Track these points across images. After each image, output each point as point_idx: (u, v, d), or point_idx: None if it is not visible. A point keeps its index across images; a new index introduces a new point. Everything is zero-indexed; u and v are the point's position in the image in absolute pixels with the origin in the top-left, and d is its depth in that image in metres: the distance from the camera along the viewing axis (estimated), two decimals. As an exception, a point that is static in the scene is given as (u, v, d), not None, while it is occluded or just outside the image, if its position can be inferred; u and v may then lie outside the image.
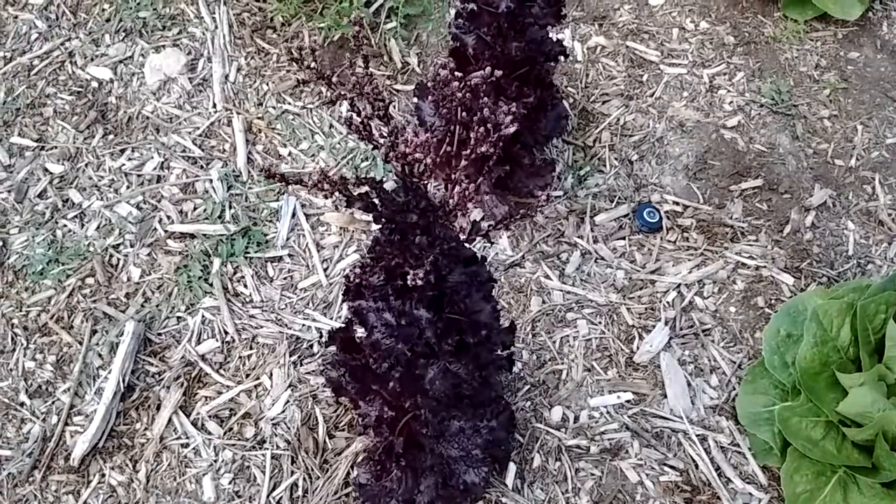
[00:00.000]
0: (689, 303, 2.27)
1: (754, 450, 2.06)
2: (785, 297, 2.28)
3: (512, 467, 2.03)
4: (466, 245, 1.50)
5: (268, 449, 2.07)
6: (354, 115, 1.22)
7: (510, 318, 2.20)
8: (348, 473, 2.00)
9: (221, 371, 2.17)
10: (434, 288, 1.43)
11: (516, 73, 2.08)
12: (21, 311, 2.26)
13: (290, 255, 2.33)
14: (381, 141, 1.26)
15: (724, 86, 2.65)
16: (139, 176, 2.46)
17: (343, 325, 1.80)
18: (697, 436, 2.10)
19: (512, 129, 1.25)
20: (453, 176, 1.27)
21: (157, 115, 2.56)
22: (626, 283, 2.30)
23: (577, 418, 2.11)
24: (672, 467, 2.06)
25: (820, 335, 1.97)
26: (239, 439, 2.08)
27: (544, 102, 2.20)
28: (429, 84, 2.30)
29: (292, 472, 2.03)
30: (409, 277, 1.27)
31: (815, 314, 1.98)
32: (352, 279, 1.45)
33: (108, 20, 2.74)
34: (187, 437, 2.09)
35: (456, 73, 1.31)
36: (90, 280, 2.29)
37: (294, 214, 2.38)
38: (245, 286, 2.28)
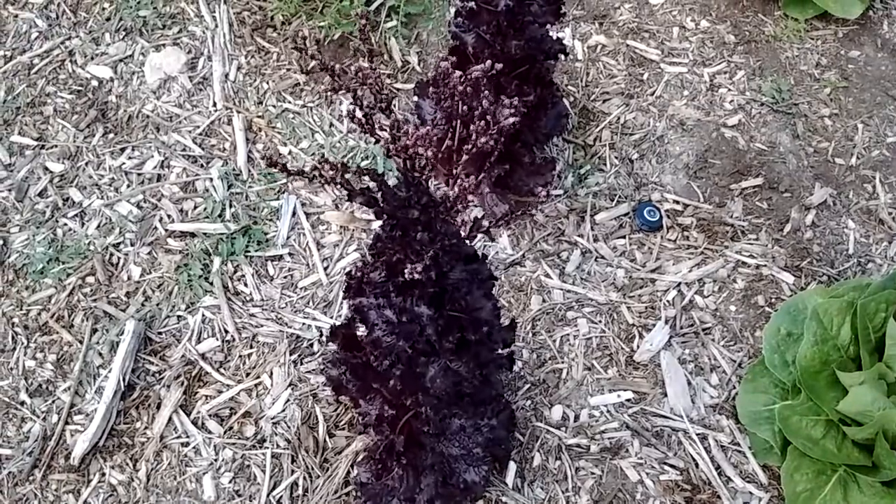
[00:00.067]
0: (689, 301, 2.27)
1: (754, 448, 2.06)
2: (785, 295, 2.28)
3: (512, 466, 2.03)
4: (467, 242, 1.50)
5: (268, 448, 2.06)
6: (357, 109, 1.22)
7: (510, 317, 2.20)
8: (349, 472, 2.00)
9: (222, 370, 2.17)
10: (435, 285, 1.43)
11: (516, 71, 2.08)
12: (21, 309, 2.26)
13: (290, 254, 2.33)
14: (383, 135, 1.26)
15: (724, 84, 2.65)
16: (139, 175, 2.46)
17: (344, 322, 1.79)
18: (697, 435, 2.09)
19: (511, 121, 1.25)
20: (454, 172, 1.27)
21: (158, 113, 2.56)
22: (627, 282, 2.29)
23: (577, 417, 2.11)
24: (672, 466, 2.06)
25: (820, 334, 1.97)
26: (239, 438, 2.08)
27: (544, 101, 2.20)
28: (429, 80, 2.30)
29: (292, 471, 2.03)
30: (406, 270, 1.26)
31: (815, 313, 1.98)
32: (353, 275, 1.45)
33: (108, 19, 2.74)
34: (187, 436, 2.09)
35: (456, 69, 1.31)
36: (90, 279, 2.29)
37: (294, 213, 2.38)
38: (245, 285, 2.28)
